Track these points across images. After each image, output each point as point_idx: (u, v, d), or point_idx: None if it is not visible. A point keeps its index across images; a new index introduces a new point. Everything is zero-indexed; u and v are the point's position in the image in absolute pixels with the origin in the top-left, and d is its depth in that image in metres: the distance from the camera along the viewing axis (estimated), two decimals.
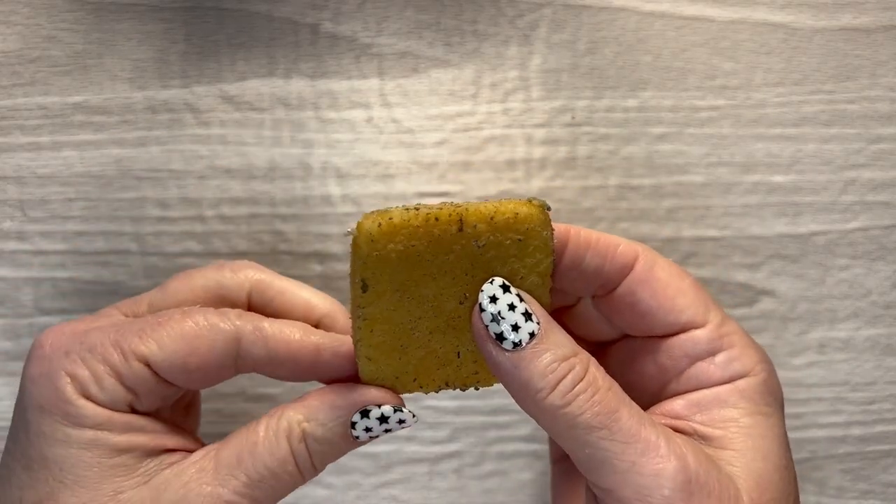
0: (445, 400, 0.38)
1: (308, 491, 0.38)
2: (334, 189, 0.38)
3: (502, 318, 0.26)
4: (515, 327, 0.25)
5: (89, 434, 0.27)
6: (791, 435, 0.39)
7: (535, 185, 0.38)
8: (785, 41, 0.39)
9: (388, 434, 0.28)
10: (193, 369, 0.27)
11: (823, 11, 0.39)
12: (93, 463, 0.26)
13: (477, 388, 0.29)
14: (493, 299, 0.26)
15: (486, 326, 0.26)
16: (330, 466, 0.38)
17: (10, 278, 0.38)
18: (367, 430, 0.28)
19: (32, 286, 0.38)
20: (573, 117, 0.38)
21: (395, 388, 0.28)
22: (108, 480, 0.27)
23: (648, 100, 0.38)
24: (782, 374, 0.39)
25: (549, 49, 0.38)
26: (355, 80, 0.38)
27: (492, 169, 0.38)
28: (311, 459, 0.28)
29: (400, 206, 0.26)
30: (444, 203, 0.26)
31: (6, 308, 0.38)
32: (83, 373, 0.27)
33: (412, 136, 0.38)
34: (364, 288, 0.26)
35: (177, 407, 0.32)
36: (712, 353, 0.28)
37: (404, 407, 0.28)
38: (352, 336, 0.28)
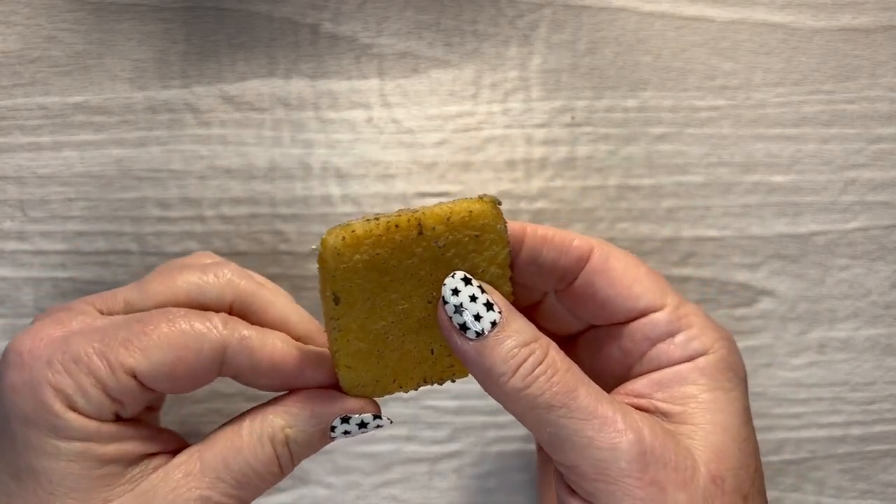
0: (445, 400, 0.38)
1: (308, 491, 0.39)
2: (334, 189, 0.38)
3: (464, 309, 0.27)
4: (477, 317, 0.27)
5: (78, 446, 0.27)
6: (791, 435, 0.39)
7: (535, 185, 0.38)
8: (784, 41, 0.39)
9: (365, 434, 0.30)
10: (179, 378, 0.28)
11: (823, 12, 0.39)
12: (82, 475, 0.27)
13: (453, 381, 0.30)
14: (455, 292, 0.27)
15: (450, 318, 0.27)
16: (330, 466, 0.38)
17: (11, 278, 0.38)
18: (346, 433, 0.29)
19: (33, 286, 0.38)
20: (573, 117, 0.38)
21: (376, 392, 0.29)
22: (97, 490, 0.27)
23: (648, 100, 0.38)
24: (782, 374, 0.39)
25: (549, 49, 0.38)
26: (355, 80, 0.38)
27: (492, 169, 0.38)
28: (291, 459, 0.29)
29: (359, 218, 0.27)
30: (402, 210, 0.27)
31: (6, 308, 0.38)
32: (68, 384, 0.26)
33: (412, 137, 0.38)
34: (336, 301, 0.27)
35: None
36: (671, 333, 0.29)
37: (381, 415, 0.29)
38: (328, 348, 0.28)
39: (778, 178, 0.39)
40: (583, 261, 0.30)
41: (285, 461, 0.29)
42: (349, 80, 0.38)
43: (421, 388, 0.30)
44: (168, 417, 0.38)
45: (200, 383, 0.28)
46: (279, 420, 0.28)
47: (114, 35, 0.38)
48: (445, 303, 0.27)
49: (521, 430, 0.39)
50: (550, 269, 0.30)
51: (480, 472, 0.39)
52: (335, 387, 0.29)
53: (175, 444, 0.29)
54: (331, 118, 0.38)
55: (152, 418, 0.33)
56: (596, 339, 0.32)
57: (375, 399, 0.29)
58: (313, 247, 0.27)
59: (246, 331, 0.28)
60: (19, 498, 0.27)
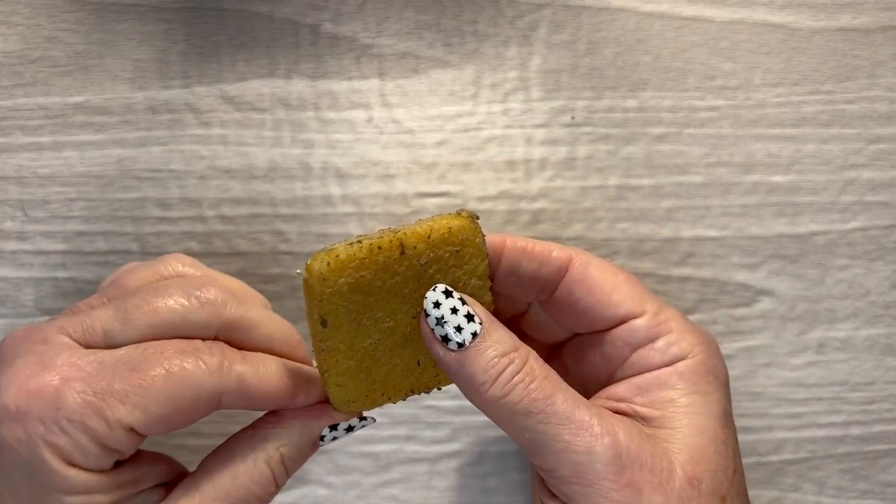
0: (445, 400, 0.39)
1: (308, 491, 0.39)
2: (335, 189, 0.38)
3: (446, 321, 0.27)
4: (459, 328, 0.27)
5: (81, 499, 0.27)
6: (790, 435, 0.39)
7: (535, 185, 0.38)
8: (784, 41, 0.39)
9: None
10: (175, 425, 0.28)
11: (822, 12, 0.39)
12: None
13: (439, 389, 0.30)
14: (437, 305, 0.28)
15: (433, 330, 0.28)
16: (330, 466, 0.38)
17: (11, 278, 0.38)
18: (335, 438, 0.30)
19: (33, 286, 0.38)
20: (573, 117, 0.38)
21: (365, 406, 0.30)
22: None
23: (648, 100, 0.38)
24: (782, 374, 0.39)
25: (548, 49, 0.38)
26: (355, 80, 0.38)
27: (492, 169, 0.38)
28: (286, 473, 0.30)
29: (342, 242, 0.27)
30: (384, 230, 0.28)
31: (7, 308, 0.38)
32: (65, 442, 0.26)
33: (412, 137, 0.38)
34: (324, 324, 0.27)
35: None
36: (651, 339, 0.30)
37: (365, 415, 0.31)
38: (318, 367, 0.29)
39: (777, 179, 0.39)
40: (562, 271, 0.30)
41: (281, 479, 0.29)
42: (349, 81, 0.38)
43: (409, 398, 0.30)
44: None
45: (195, 422, 0.29)
46: (272, 442, 0.29)
47: (114, 35, 0.38)
48: (427, 315, 0.28)
49: None
50: (531, 280, 0.30)
51: (480, 472, 0.39)
52: (326, 401, 0.30)
53: (172, 472, 0.30)
54: (331, 118, 0.38)
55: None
56: (580, 347, 0.32)
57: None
58: (298, 271, 0.27)
59: (240, 366, 0.28)
60: None
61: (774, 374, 0.39)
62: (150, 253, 0.38)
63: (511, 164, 0.38)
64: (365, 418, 0.30)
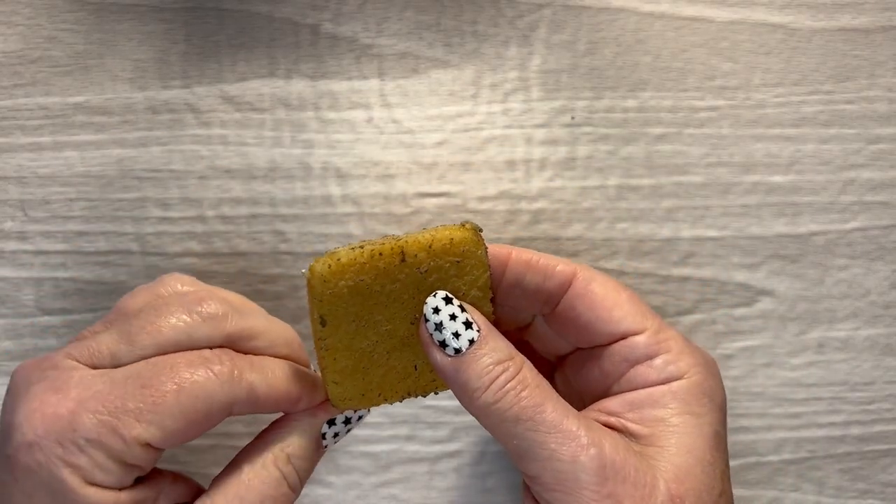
0: (445, 400, 0.39)
1: (308, 490, 0.39)
2: (335, 189, 0.38)
3: (444, 327, 0.28)
4: (456, 335, 0.28)
5: None
6: (790, 434, 0.39)
7: (535, 185, 0.38)
8: (784, 41, 0.39)
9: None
10: (189, 437, 0.28)
11: (822, 12, 0.39)
12: None
13: (436, 393, 0.31)
14: (436, 310, 0.28)
15: (431, 335, 0.28)
16: (330, 466, 0.38)
17: (12, 278, 0.38)
18: (336, 434, 0.31)
19: (34, 286, 0.38)
20: (573, 118, 0.38)
21: (361, 404, 0.30)
22: None
23: (648, 100, 0.38)
24: (781, 374, 0.39)
25: (548, 50, 0.38)
26: (355, 80, 0.38)
27: (492, 169, 0.38)
28: (298, 476, 0.30)
29: (346, 246, 0.28)
30: (387, 237, 0.28)
31: (7, 308, 0.38)
32: (84, 461, 0.27)
33: (412, 137, 0.38)
34: (323, 323, 0.28)
35: None
36: (650, 356, 0.30)
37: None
38: (318, 364, 0.29)
39: (777, 179, 0.39)
40: (565, 285, 0.31)
41: (293, 480, 0.30)
42: (349, 81, 0.38)
43: (405, 400, 0.31)
44: None
45: (209, 430, 0.29)
46: (276, 444, 0.30)
47: (114, 35, 0.38)
48: (427, 320, 0.28)
49: None
50: (535, 293, 0.31)
51: (480, 471, 0.39)
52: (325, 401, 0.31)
53: (190, 492, 0.30)
54: (331, 118, 0.38)
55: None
56: (580, 360, 0.32)
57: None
58: (303, 271, 0.28)
59: (249, 375, 0.29)
60: None
61: (774, 374, 0.39)
62: (151, 253, 0.38)
63: (511, 164, 0.38)
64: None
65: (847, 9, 0.39)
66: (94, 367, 0.29)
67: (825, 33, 0.39)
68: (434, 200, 0.38)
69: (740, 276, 0.39)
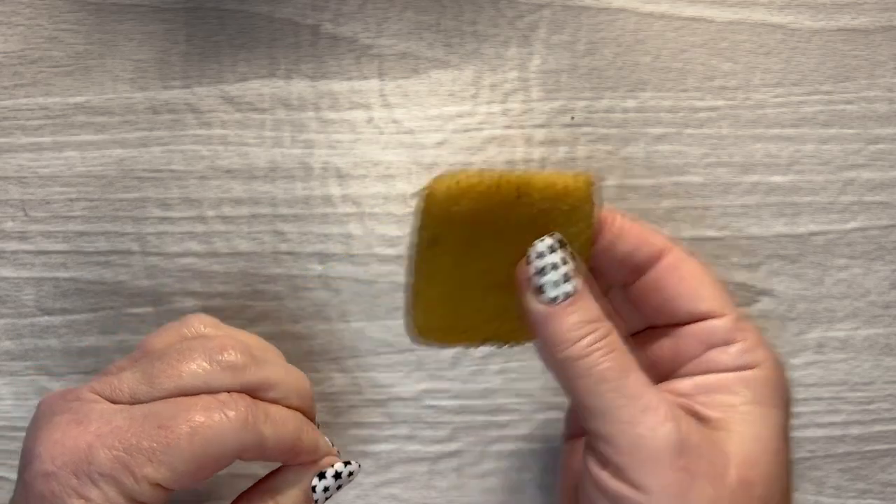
0: (445, 399, 0.39)
1: None
2: (335, 189, 0.38)
3: (545, 273, 0.28)
4: (555, 284, 0.28)
5: None
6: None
7: None
8: (783, 42, 0.39)
9: (340, 490, 0.32)
10: (199, 480, 0.29)
11: (822, 12, 0.39)
12: None
13: (513, 346, 0.31)
14: (541, 255, 0.28)
15: (530, 278, 0.28)
16: None
17: (12, 278, 0.38)
18: (326, 489, 0.31)
19: (34, 286, 0.38)
20: (573, 118, 0.38)
21: (444, 339, 0.30)
22: None
23: (647, 100, 0.38)
24: None
25: (548, 50, 0.38)
26: (356, 80, 0.38)
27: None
28: None
29: (458, 171, 0.28)
30: (504, 171, 0.28)
31: (8, 308, 0.38)
32: (96, 495, 0.27)
33: (412, 137, 0.38)
34: (434, 242, 0.28)
35: None
36: (727, 342, 0.30)
37: (351, 461, 0.32)
38: (408, 286, 0.29)
39: (777, 179, 0.39)
40: (655, 258, 0.31)
41: None
42: (349, 81, 0.38)
43: (481, 346, 0.30)
44: None
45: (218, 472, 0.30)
46: (269, 494, 0.30)
47: (115, 35, 0.38)
48: (529, 262, 0.28)
49: (521, 430, 0.39)
50: (622, 261, 0.31)
51: (480, 471, 0.39)
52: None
53: None
54: (331, 118, 0.38)
55: None
56: (650, 339, 0.32)
57: (445, 344, 0.31)
58: (421, 187, 0.28)
59: (262, 426, 0.29)
60: None
61: None
62: (151, 253, 0.38)
63: (511, 165, 0.38)
64: (349, 462, 0.31)
65: (847, 9, 0.39)
66: (115, 403, 0.29)
67: (825, 33, 0.39)
68: None
69: (740, 276, 0.39)
